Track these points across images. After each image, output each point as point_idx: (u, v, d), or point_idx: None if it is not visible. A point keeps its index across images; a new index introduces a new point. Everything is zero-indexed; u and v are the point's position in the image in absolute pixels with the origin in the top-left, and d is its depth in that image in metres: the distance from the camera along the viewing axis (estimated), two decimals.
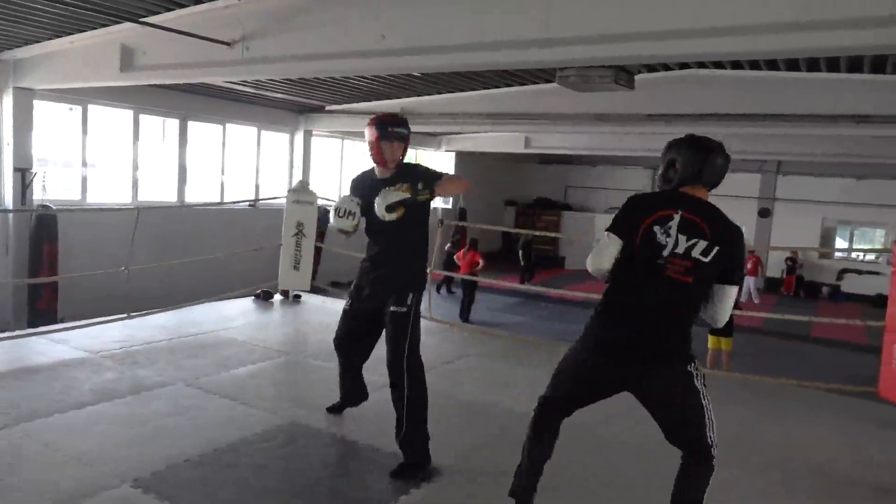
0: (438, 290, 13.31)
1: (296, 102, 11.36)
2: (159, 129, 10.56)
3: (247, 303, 7.02)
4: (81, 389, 4.06)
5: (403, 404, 3.16)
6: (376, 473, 3.21)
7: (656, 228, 2.40)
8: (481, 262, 11.50)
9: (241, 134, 11.87)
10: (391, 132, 3.22)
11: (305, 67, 5.39)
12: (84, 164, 9.33)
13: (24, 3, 5.52)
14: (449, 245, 13.10)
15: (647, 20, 3.52)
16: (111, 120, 9.74)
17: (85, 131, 9.29)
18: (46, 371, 4.39)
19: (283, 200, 6.80)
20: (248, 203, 11.04)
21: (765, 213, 17.93)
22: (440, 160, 16.66)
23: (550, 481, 3.22)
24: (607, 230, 2.50)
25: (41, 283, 7.99)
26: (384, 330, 3.32)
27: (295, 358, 5.16)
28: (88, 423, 3.58)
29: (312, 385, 4.52)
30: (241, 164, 11.94)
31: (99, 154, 9.76)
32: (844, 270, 17.15)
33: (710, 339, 7.79)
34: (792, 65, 6.97)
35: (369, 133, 3.25)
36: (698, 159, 2.46)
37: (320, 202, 6.74)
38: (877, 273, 15.68)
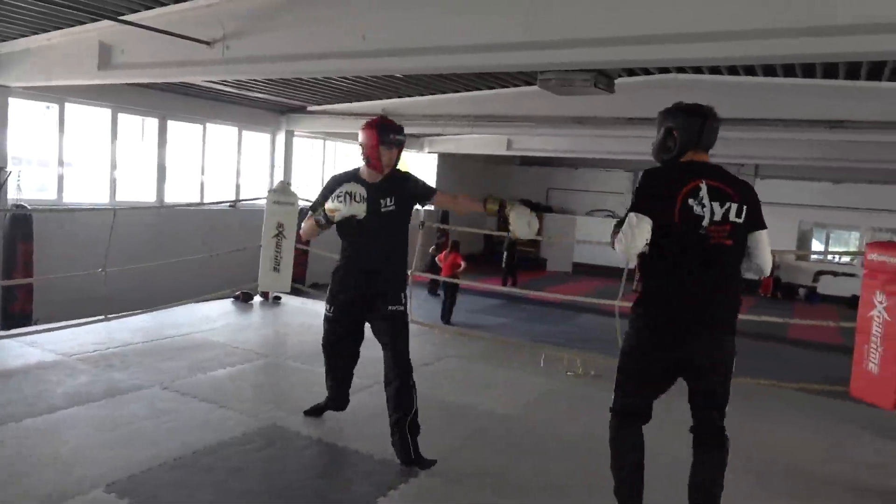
0: (432, 292, 13.29)
1: (277, 103, 11.29)
2: (138, 128, 10.43)
3: (226, 304, 6.96)
4: (54, 393, 3.99)
5: (413, 397, 3.20)
6: (356, 475, 3.21)
7: (690, 201, 2.43)
8: (462, 263, 11.50)
9: (222, 134, 11.77)
10: (392, 139, 3.21)
11: (286, 67, 5.36)
12: (61, 163, 9.17)
13: (0, 0, 5.43)
14: (433, 248, 13.10)
15: (627, 25, 3.54)
16: (89, 119, 9.60)
17: (62, 130, 9.13)
18: (18, 375, 4.31)
19: (264, 201, 6.77)
20: (228, 204, 10.95)
21: None
22: (423, 162, 16.66)
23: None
24: (632, 210, 2.45)
25: (16, 284, 7.85)
26: (379, 330, 3.31)
27: (275, 360, 5.12)
28: (62, 427, 3.51)
29: (292, 387, 4.50)
30: (221, 165, 11.83)
31: (76, 153, 9.60)
32: (820, 272, 17.40)
33: None
34: (769, 70, 7.09)
35: (368, 136, 3.20)
36: (696, 124, 2.52)
37: (301, 203, 6.71)
38: (852, 275, 15.89)
